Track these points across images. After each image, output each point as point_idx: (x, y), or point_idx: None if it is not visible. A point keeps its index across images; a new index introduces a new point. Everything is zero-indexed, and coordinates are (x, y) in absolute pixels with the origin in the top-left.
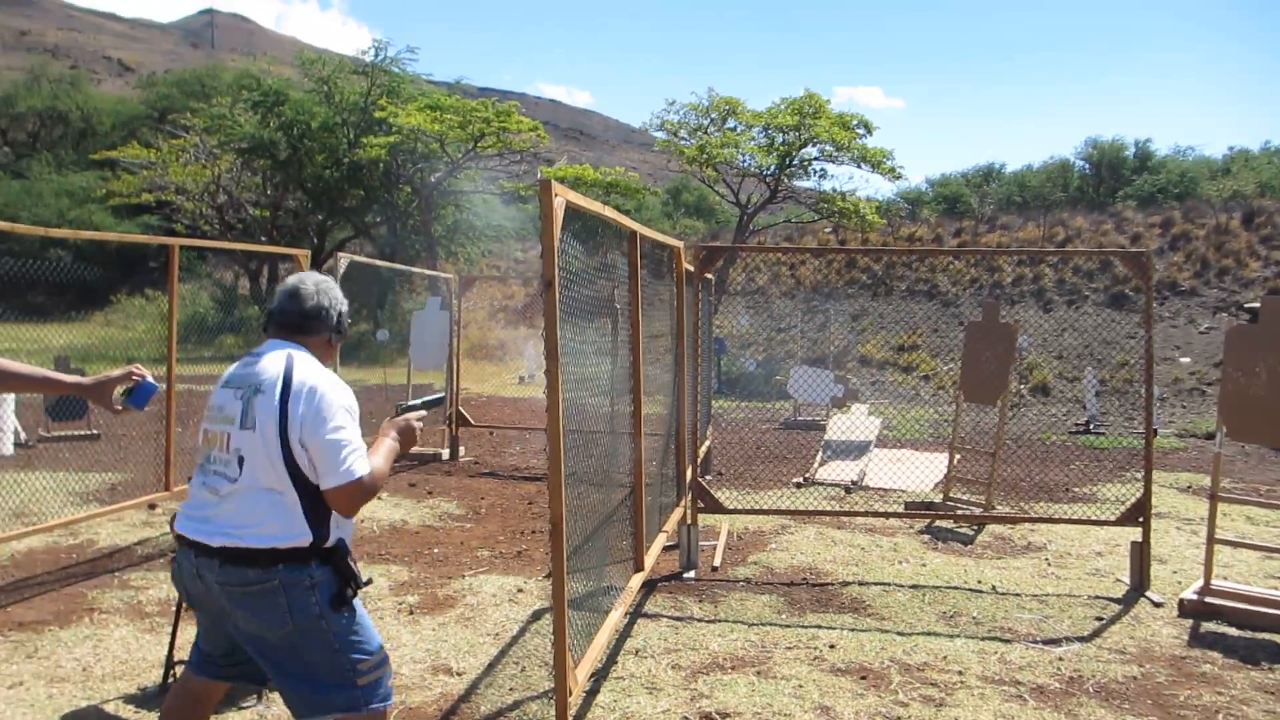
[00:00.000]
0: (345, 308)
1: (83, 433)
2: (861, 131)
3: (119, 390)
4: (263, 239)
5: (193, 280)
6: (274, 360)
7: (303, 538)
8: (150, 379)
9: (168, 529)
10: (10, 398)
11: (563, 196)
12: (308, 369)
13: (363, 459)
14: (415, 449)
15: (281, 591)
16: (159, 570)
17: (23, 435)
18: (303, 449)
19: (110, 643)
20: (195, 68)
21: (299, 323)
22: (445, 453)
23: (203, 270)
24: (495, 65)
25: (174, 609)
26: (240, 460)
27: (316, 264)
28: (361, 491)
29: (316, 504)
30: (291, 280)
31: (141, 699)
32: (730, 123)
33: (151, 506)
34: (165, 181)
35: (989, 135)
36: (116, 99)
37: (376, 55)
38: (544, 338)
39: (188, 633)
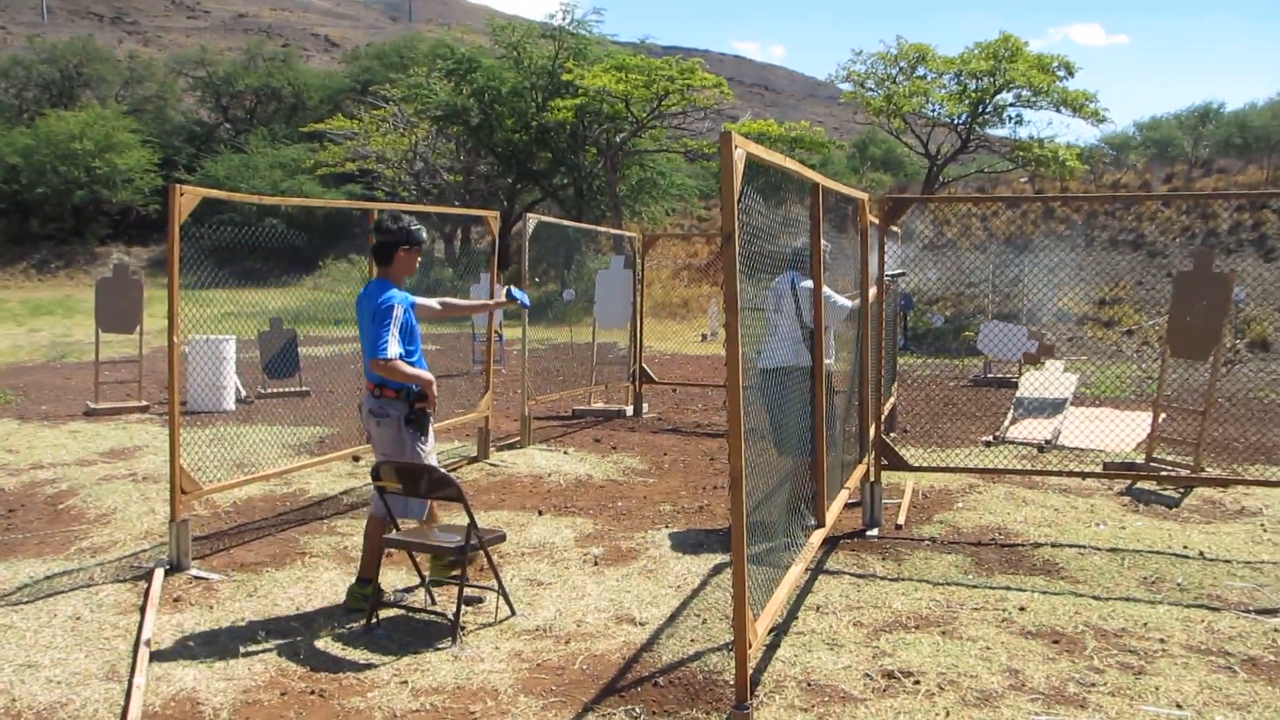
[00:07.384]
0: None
1: (295, 390)
2: (1062, 74)
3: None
4: (455, 203)
5: None
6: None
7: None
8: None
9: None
10: (230, 358)
11: (743, 149)
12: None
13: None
14: (601, 405)
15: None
16: (362, 519)
17: (243, 392)
18: None
19: (320, 584)
20: (395, 40)
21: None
22: (629, 409)
23: None
24: (688, 22)
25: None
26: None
27: (506, 226)
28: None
29: None
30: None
31: (348, 637)
32: (920, 70)
33: (355, 459)
34: (367, 151)
35: (1211, 70)
36: (324, 74)
37: (565, 18)
38: (724, 292)
39: (387, 578)
